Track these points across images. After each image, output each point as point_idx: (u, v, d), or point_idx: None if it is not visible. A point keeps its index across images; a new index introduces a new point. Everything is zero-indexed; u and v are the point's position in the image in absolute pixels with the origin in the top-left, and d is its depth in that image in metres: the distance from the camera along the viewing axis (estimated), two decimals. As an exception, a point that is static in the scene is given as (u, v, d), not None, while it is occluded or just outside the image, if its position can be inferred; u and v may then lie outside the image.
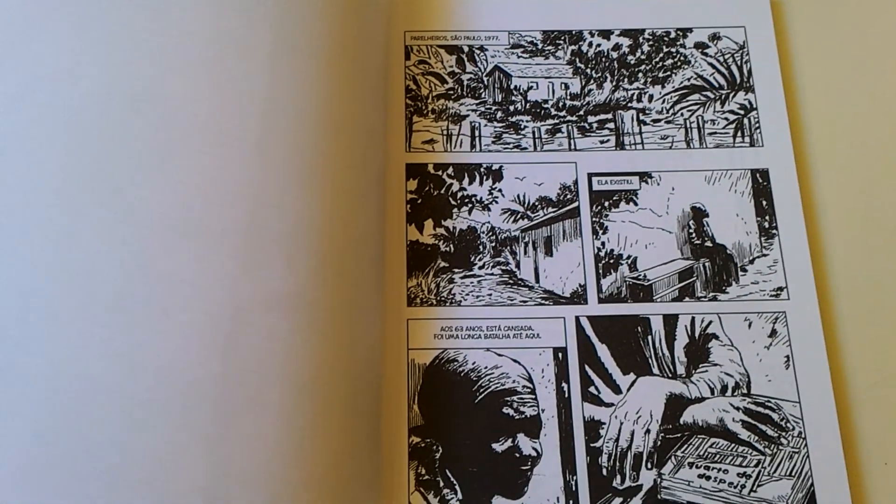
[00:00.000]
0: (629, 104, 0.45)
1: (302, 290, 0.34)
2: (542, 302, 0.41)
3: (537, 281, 0.41)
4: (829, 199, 0.43)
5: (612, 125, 0.44)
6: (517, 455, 0.38)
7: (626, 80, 0.45)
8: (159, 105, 0.35)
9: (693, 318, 0.40)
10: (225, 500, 0.31)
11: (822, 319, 0.40)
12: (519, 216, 0.42)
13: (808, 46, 0.46)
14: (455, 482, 0.38)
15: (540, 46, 0.46)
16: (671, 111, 0.44)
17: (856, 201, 0.43)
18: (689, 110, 0.44)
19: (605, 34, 0.46)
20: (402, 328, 0.40)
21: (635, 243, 0.42)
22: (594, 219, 0.42)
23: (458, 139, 0.44)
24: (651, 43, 0.46)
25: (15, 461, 0.31)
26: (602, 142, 0.44)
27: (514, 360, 0.39)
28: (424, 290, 0.41)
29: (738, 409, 0.39)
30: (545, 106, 0.44)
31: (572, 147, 0.44)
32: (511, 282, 0.41)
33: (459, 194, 0.43)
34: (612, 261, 0.42)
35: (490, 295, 0.41)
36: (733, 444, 0.38)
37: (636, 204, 0.43)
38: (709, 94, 0.45)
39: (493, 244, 0.42)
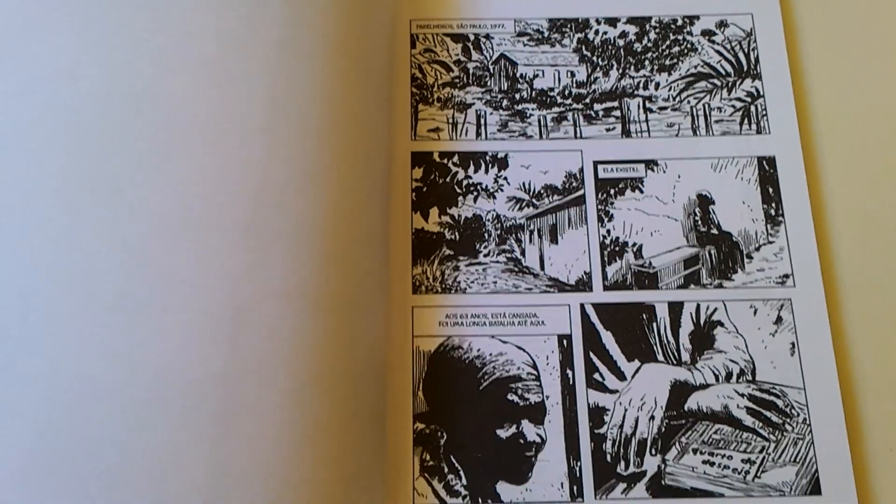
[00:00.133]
0: (635, 92, 0.44)
1: (304, 288, 0.34)
2: (547, 289, 0.41)
3: (542, 268, 0.41)
4: (836, 186, 0.43)
5: (618, 113, 0.44)
6: (521, 441, 0.38)
7: (632, 67, 0.45)
8: (160, 104, 0.35)
9: (698, 305, 0.40)
10: (225, 500, 0.31)
11: (827, 306, 0.40)
12: (524, 204, 0.42)
13: (815, 33, 0.46)
14: (460, 468, 0.38)
15: (546, 34, 0.46)
16: (678, 99, 0.44)
17: (862, 188, 0.43)
18: (695, 98, 0.44)
19: (612, 22, 0.46)
20: (407, 316, 0.40)
21: (641, 231, 0.42)
22: (600, 206, 0.42)
23: (463, 127, 0.44)
24: (658, 30, 0.46)
25: (15, 461, 0.31)
26: (608, 130, 0.44)
27: (519, 348, 0.39)
28: (429, 277, 0.41)
29: (742, 395, 0.39)
30: (551, 94, 0.44)
31: (578, 135, 0.44)
32: (516, 269, 0.41)
33: (465, 182, 0.43)
34: (617, 248, 0.42)
35: (495, 282, 0.41)
36: (738, 431, 0.38)
37: (642, 192, 0.43)
38: (716, 81, 0.45)
39: (499, 232, 0.42)
